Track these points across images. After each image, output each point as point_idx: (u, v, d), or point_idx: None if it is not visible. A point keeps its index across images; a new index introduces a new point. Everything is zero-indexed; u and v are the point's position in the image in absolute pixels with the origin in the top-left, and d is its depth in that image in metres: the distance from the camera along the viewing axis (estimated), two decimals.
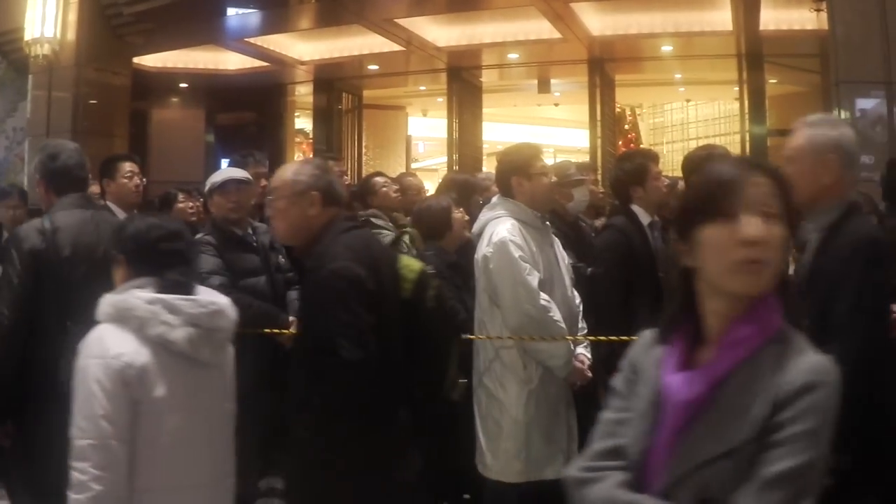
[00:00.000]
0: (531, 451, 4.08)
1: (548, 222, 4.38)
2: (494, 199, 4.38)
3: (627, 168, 4.78)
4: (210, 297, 2.77)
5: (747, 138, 12.37)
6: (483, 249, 4.16)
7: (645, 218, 4.61)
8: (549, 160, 4.94)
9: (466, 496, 4.80)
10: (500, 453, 4.13)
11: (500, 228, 4.10)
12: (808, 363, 1.56)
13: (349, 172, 13.53)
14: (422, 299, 3.11)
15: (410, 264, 3.18)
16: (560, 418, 4.18)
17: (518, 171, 4.21)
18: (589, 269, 4.66)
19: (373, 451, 2.86)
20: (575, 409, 4.27)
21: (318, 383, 2.85)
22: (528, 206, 4.20)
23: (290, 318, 4.47)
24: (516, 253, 4.01)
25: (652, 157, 4.91)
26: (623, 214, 4.66)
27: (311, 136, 15.76)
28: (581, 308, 4.41)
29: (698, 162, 4.26)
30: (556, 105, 16.57)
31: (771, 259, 1.58)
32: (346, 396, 2.80)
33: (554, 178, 4.41)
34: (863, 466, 2.58)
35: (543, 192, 4.24)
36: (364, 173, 12.74)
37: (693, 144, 11.36)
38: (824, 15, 8.22)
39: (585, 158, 12.85)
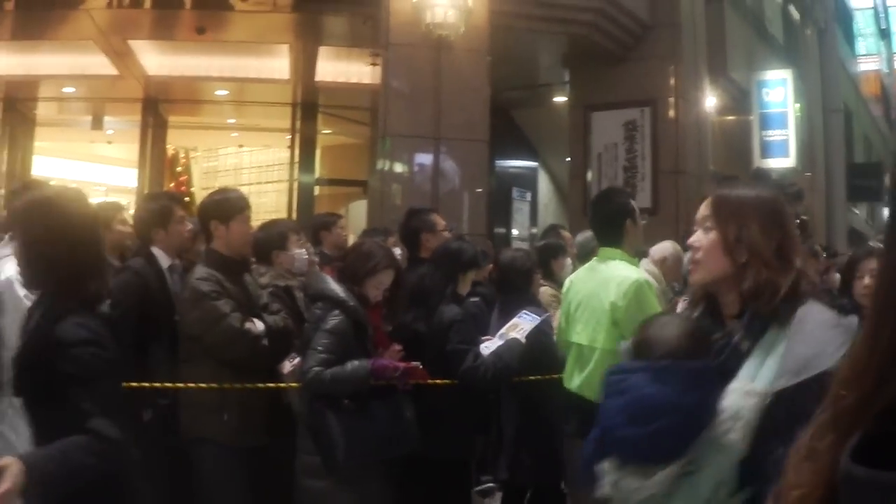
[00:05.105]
0: None
1: None
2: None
3: (151, 209, 4.75)
4: None
5: (296, 186, 12.84)
6: None
7: (165, 261, 4.60)
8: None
9: None
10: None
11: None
12: None
13: None
14: None
15: None
16: None
17: None
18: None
19: None
20: None
21: None
22: None
23: None
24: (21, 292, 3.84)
25: (178, 199, 4.93)
26: (143, 256, 4.62)
27: None
28: None
29: (213, 207, 4.35)
30: (110, 143, 16.06)
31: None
32: None
33: None
34: None
35: None
36: None
37: (245, 190, 11.41)
38: (379, 69, 8.61)
39: (134, 198, 12.50)
